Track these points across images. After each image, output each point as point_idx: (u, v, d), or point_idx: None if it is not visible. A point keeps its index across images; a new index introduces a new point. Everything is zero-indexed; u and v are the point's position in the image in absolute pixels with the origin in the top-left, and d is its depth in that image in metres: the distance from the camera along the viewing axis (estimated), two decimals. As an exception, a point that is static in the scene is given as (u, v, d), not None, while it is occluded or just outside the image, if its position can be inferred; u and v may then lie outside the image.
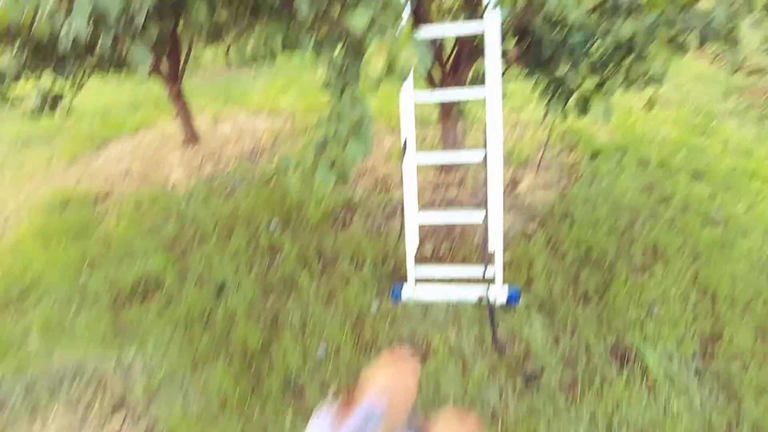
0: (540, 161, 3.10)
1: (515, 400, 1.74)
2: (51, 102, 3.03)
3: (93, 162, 4.30)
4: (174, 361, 2.07)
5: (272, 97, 5.16)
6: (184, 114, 4.27)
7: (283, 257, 2.60)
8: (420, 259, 2.49)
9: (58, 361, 2.16)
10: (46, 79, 2.91)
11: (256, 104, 5.01)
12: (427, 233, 2.67)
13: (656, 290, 2.11)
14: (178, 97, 4.13)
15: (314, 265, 2.50)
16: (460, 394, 1.77)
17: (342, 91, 1.46)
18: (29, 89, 2.99)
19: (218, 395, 1.89)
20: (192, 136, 4.38)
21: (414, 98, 2.03)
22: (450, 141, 2.95)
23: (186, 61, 3.95)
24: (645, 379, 1.76)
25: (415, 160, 2.11)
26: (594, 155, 3.29)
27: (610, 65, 1.97)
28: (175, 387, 1.97)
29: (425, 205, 2.90)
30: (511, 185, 2.99)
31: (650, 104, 2.17)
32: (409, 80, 1.97)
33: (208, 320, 2.27)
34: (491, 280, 2.15)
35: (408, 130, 2.06)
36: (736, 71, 5.31)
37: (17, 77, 2.55)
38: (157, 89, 6.24)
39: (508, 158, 3.34)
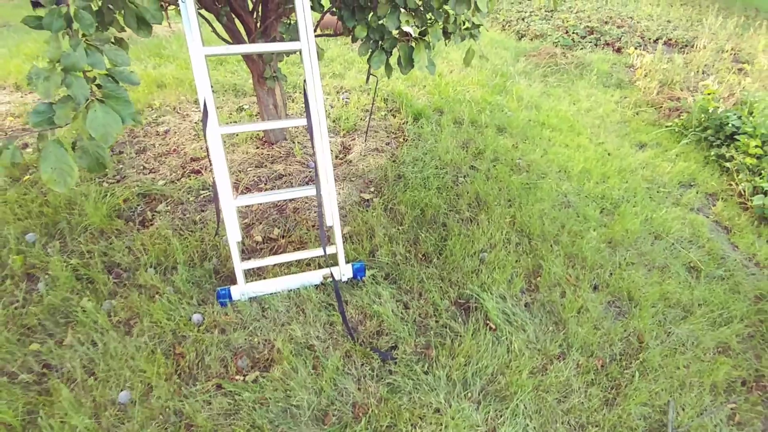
0: (368, 126, 2.98)
1: (375, 384, 1.58)
2: None
3: None
4: None
5: (18, 66, 3.81)
6: None
7: (49, 280, 1.86)
8: (250, 248, 2.10)
9: None
10: None
11: (-9, 75, 3.60)
12: (255, 217, 2.28)
13: (484, 238, 2.23)
14: None
15: (102, 283, 1.85)
16: (314, 398, 1.52)
17: (67, 22, 0.94)
18: None
19: None
20: None
21: (204, 51, 1.58)
22: (269, 110, 2.56)
23: None
24: (488, 325, 1.81)
25: (218, 131, 1.68)
26: (416, 117, 3.36)
27: (432, 10, 1.87)
28: None
29: (249, 184, 2.48)
30: (343, 153, 2.80)
31: (469, 57, 2.17)
32: (193, 30, 1.50)
33: None
34: (333, 260, 1.93)
35: (204, 92, 1.60)
36: (522, 38, 6.21)
37: None
38: None
39: (335, 126, 3.14)
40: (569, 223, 2.43)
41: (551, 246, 2.24)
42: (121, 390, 1.50)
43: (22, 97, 3.54)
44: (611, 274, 2.15)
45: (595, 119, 3.87)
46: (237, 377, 1.57)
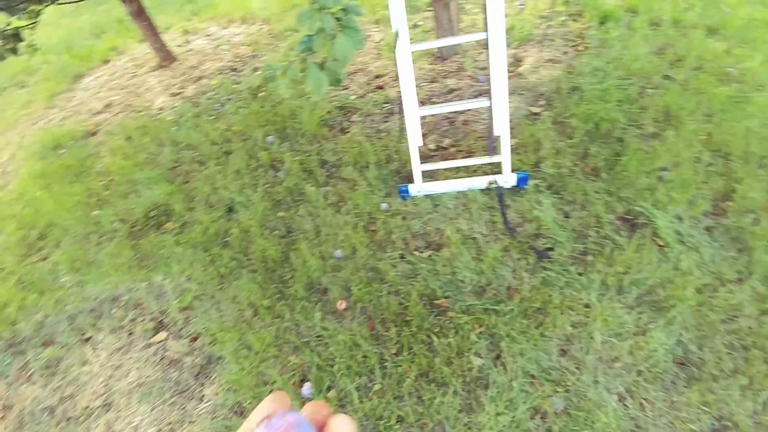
0: (543, 34, 2.84)
1: (529, 276, 1.82)
2: (11, 40, 2.79)
3: (71, 99, 4.08)
4: (201, 280, 2.17)
5: (242, 1, 4.68)
6: (151, 33, 3.92)
7: (286, 170, 2.56)
8: (424, 154, 2.43)
9: (93, 293, 2.28)
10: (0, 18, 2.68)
11: (225, 12, 4.56)
12: (428, 128, 2.58)
13: (667, 156, 2.07)
14: (140, 16, 3.76)
15: (318, 174, 2.47)
16: (475, 277, 1.85)
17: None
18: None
19: (248, 304, 2.01)
20: (166, 57, 4.08)
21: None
22: (444, 24, 2.69)
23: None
24: (655, 241, 1.80)
25: (409, 49, 1.94)
26: (602, 21, 3.01)
27: None
28: (207, 302, 2.09)
29: (423, 98, 2.76)
30: (513, 66, 2.79)
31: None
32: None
33: (225, 239, 2.33)
34: (498, 167, 2.12)
35: (398, 15, 1.85)
36: None
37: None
38: (116, 11, 5.67)
39: (507, 37, 3.08)
40: (790, 144, 2.03)
41: (754, 169, 1.95)
42: (336, 249, 2.10)
43: (247, 28, 4.42)
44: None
45: None
46: (415, 252, 2.00)
